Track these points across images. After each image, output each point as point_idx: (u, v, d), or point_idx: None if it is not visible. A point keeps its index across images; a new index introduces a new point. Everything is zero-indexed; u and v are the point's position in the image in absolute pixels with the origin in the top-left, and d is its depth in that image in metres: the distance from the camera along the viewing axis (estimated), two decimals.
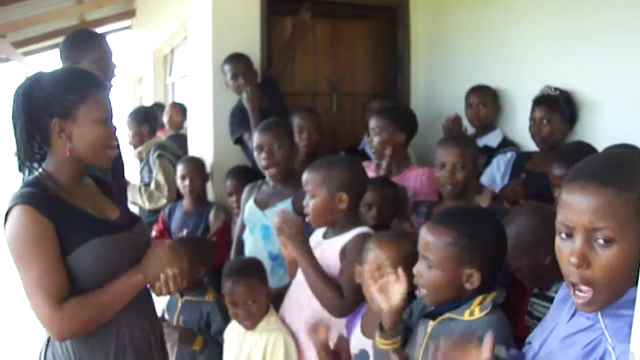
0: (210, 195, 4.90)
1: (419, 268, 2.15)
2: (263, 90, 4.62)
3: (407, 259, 2.37)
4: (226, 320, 3.25)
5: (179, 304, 3.36)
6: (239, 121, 4.50)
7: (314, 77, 5.34)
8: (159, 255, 2.25)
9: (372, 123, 3.87)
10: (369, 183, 3.26)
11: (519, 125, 4.15)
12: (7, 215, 2.09)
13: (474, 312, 2.07)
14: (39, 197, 2.11)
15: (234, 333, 3.10)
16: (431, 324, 2.16)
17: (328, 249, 2.86)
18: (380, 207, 3.34)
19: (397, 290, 2.20)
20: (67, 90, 2.17)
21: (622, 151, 1.64)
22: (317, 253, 2.83)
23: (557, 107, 3.87)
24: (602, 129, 3.77)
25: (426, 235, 2.14)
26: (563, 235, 1.53)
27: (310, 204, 2.86)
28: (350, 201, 2.84)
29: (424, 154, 4.72)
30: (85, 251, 2.15)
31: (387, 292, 2.22)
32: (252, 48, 4.81)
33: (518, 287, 2.70)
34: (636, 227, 1.44)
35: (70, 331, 2.11)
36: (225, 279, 3.03)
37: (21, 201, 2.08)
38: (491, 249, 2.15)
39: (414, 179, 3.74)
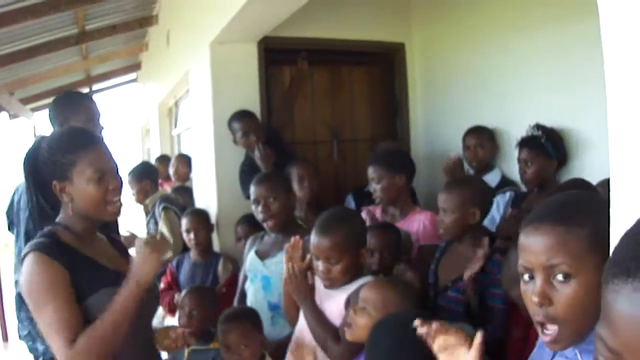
0: (216, 246, 4.94)
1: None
2: (269, 145, 4.71)
3: (390, 305, 2.45)
4: None
5: (186, 354, 3.39)
6: (249, 178, 4.56)
7: (313, 124, 5.43)
8: (141, 257, 2.28)
9: (370, 173, 3.93)
10: (371, 228, 3.37)
11: (517, 163, 4.19)
12: (21, 263, 2.19)
13: None
14: (52, 246, 2.20)
15: None
16: None
17: (332, 299, 2.89)
18: (382, 253, 3.36)
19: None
20: (61, 153, 2.27)
21: (573, 192, 1.70)
22: (319, 300, 2.91)
23: (540, 147, 3.94)
24: (598, 166, 3.77)
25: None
26: (526, 277, 1.56)
27: (333, 270, 2.81)
28: (369, 253, 2.94)
29: (428, 196, 4.77)
30: (97, 299, 2.21)
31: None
32: (252, 99, 4.92)
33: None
34: (591, 260, 1.48)
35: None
36: (220, 324, 3.07)
37: (34, 249, 2.18)
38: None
39: (417, 223, 3.78)
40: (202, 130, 5.18)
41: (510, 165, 4.49)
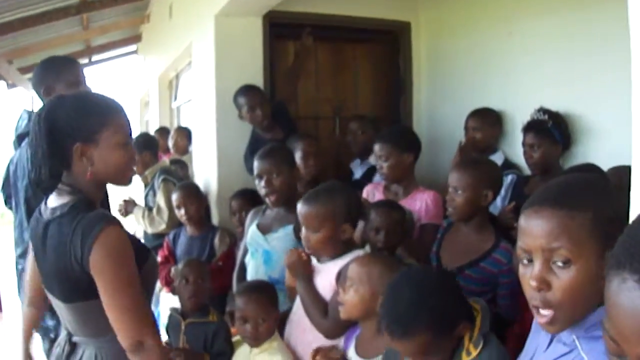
0: (215, 218, 4.92)
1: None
2: (275, 119, 4.70)
3: (375, 279, 2.50)
4: (229, 342, 3.26)
5: (183, 327, 3.38)
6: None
7: (316, 101, 5.40)
8: None
9: (378, 150, 3.90)
10: (377, 206, 3.38)
11: (520, 147, 4.16)
12: (95, 239, 2.05)
13: (470, 351, 2.06)
14: (116, 218, 2.14)
15: (239, 357, 3.11)
16: None
17: (323, 273, 2.92)
18: (388, 231, 3.34)
19: None
20: (91, 114, 2.18)
21: (576, 175, 1.68)
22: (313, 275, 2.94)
23: (546, 132, 3.91)
24: (601, 151, 3.80)
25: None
26: (524, 261, 1.55)
27: (312, 238, 2.89)
28: (352, 230, 2.92)
29: (428, 178, 4.74)
30: (145, 271, 2.21)
31: None
32: (255, 73, 4.88)
33: None
34: (592, 246, 1.46)
35: (155, 356, 2.11)
36: (238, 296, 3.03)
37: (111, 222, 2.10)
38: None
39: (419, 202, 3.76)
40: (204, 103, 5.14)
41: (513, 148, 4.46)
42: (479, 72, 4.91)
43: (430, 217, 3.71)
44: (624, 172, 3.32)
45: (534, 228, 1.50)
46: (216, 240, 4.53)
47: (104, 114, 2.21)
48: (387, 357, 2.39)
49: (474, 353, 2.04)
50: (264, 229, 3.52)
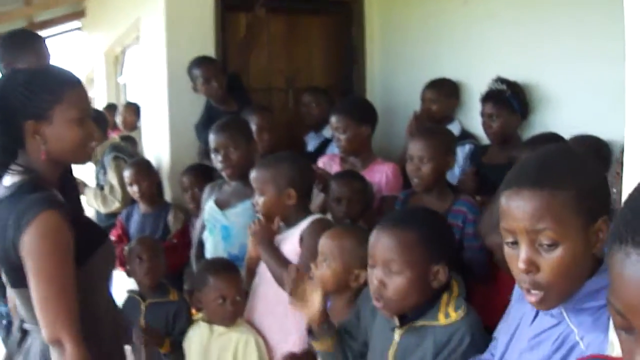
0: (168, 195, 4.81)
1: (378, 277, 2.04)
2: (229, 91, 4.61)
3: (348, 252, 2.49)
4: (190, 322, 3.18)
5: (143, 308, 3.29)
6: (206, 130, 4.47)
7: (269, 72, 5.31)
8: None
9: (334, 122, 3.83)
10: (338, 177, 3.35)
11: (477, 116, 4.15)
12: (28, 223, 1.93)
13: (449, 313, 2.02)
14: (59, 202, 2.02)
15: (196, 339, 3.03)
16: (398, 332, 2.10)
17: (284, 242, 2.91)
18: (349, 201, 3.31)
19: (314, 297, 2.26)
20: (42, 90, 2.05)
21: (553, 150, 1.63)
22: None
23: (505, 101, 3.89)
24: (560, 121, 3.78)
25: (387, 241, 2.04)
26: (509, 242, 1.53)
27: (259, 201, 2.93)
28: (298, 196, 2.92)
29: (383, 149, 4.70)
30: (97, 259, 2.09)
31: (305, 298, 2.28)
32: (207, 45, 4.77)
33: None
34: (577, 223, 1.45)
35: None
36: (214, 274, 2.96)
37: (47, 206, 1.96)
38: (451, 241, 2.20)
39: (379, 174, 3.72)
40: (155, 78, 5.01)
41: (469, 118, 4.45)
42: (434, 41, 4.86)
43: (391, 189, 3.68)
44: (588, 141, 3.36)
45: (516, 210, 1.48)
46: (170, 217, 4.43)
47: (57, 89, 2.07)
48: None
49: (454, 316, 2.01)
50: (222, 205, 3.43)
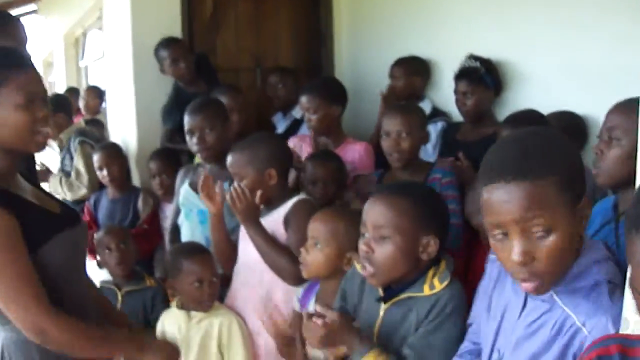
0: (136, 179, 4.72)
1: (368, 243, 2.04)
2: (197, 72, 4.53)
3: (341, 236, 2.45)
4: (168, 306, 3.10)
5: (120, 297, 3.22)
6: (176, 110, 4.36)
7: (236, 52, 5.21)
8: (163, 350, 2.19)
9: (305, 102, 3.80)
10: (313, 158, 3.33)
11: (448, 94, 4.13)
12: None
13: (434, 284, 2.03)
14: None
15: (172, 328, 2.91)
16: (384, 307, 2.10)
17: (268, 224, 2.83)
18: (325, 182, 3.28)
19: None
20: None
21: (532, 134, 1.61)
22: None
23: (479, 79, 3.89)
24: (534, 98, 3.78)
25: (379, 207, 2.05)
26: (498, 235, 1.51)
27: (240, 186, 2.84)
28: (279, 175, 2.87)
29: (351, 126, 4.67)
30: (52, 248, 1.99)
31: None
32: (173, 26, 4.68)
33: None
34: (564, 207, 1.46)
35: (63, 341, 1.94)
36: (187, 258, 2.87)
37: None
38: (444, 216, 2.15)
39: (351, 153, 3.68)
40: (119, 60, 4.89)
41: (440, 95, 4.44)
42: (404, 20, 4.82)
43: (364, 167, 3.66)
44: (565, 117, 3.36)
45: (502, 204, 1.46)
46: (139, 203, 4.33)
47: (1, 71, 1.96)
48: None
49: (438, 287, 2.02)
50: (197, 188, 3.35)
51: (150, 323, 3.10)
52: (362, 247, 2.05)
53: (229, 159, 2.91)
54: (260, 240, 2.76)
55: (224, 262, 3.02)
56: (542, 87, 3.82)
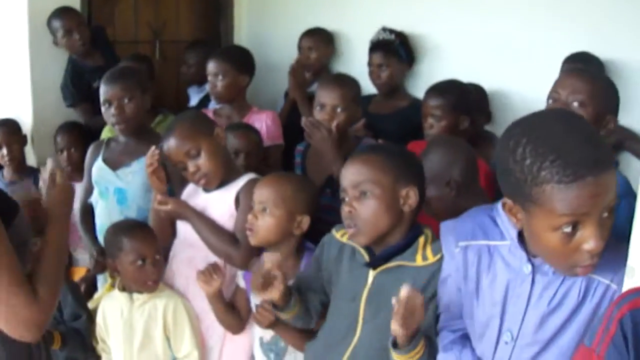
0: (32, 159, 4.43)
1: (349, 204, 2.06)
2: (94, 45, 4.28)
3: (289, 198, 2.46)
4: (81, 304, 2.89)
5: None
6: (75, 85, 4.18)
7: (135, 24, 5.00)
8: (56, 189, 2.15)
9: (213, 67, 3.70)
10: (233, 129, 3.25)
11: (357, 67, 4.11)
12: None
13: (427, 255, 2.04)
14: None
15: (113, 312, 2.77)
16: (372, 273, 2.09)
17: (216, 201, 2.74)
18: (248, 153, 3.21)
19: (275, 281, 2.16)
20: None
21: (574, 119, 1.61)
22: (201, 207, 2.75)
23: (394, 51, 3.94)
24: (446, 69, 3.80)
25: (355, 166, 2.09)
26: (567, 230, 1.49)
27: (200, 163, 2.71)
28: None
29: (252, 99, 4.59)
30: (17, 227, 1.88)
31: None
32: None
33: None
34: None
35: (47, 320, 1.83)
36: (128, 236, 2.70)
37: None
38: (419, 168, 2.15)
39: (258, 123, 3.58)
40: (12, 31, 4.55)
41: (347, 68, 4.37)
42: None
43: (272, 137, 3.60)
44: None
45: (590, 199, 1.47)
46: (41, 184, 4.05)
47: None
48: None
49: (432, 259, 2.03)
50: (113, 164, 3.18)
51: (65, 322, 2.83)
52: (344, 209, 2.06)
53: (172, 141, 2.73)
54: (204, 227, 2.69)
55: (165, 242, 2.88)
56: (452, 59, 3.91)
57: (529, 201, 1.50)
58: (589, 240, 1.47)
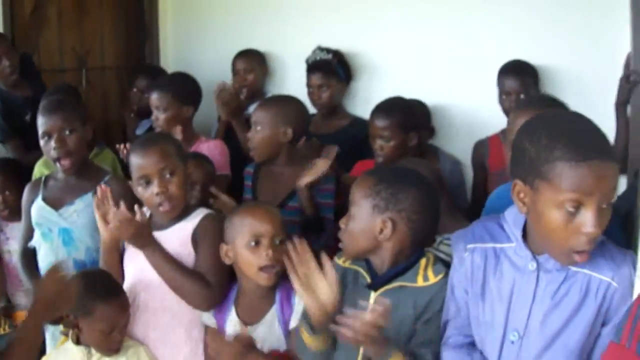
0: None
1: (344, 221, 2.16)
2: (22, 75, 4.04)
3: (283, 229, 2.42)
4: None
5: None
6: (6, 117, 3.92)
7: (59, 51, 4.85)
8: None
9: (155, 100, 3.58)
10: (191, 159, 3.00)
11: (292, 88, 4.08)
12: None
13: (428, 276, 2.06)
14: None
15: None
16: (374, 295, 2.07)
17: (170, 238, 2.55)
18: (203, 185, 3.09)
19: (322, 287, 2.00)
20: None
21: (580, 116, 1.77)
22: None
23: (333, 71, 3.95)
24: (384, 87, 3.84)
25: (353, 186, 2.17)
26: (570, 209, 1.61)
27: (173, 183, 2.53)
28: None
29: None
30: None
31: (311, 286, 2.01)
32: None
33: None
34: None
35: None
36: (103, 302, 2.39)
37: None
38: (408, 201, 2.07)
39: (206, 153, 3.45)
40: None
41: (282, 88, 4.37)
42: (239, 12, 4.71)
43: (220, 168, 3.46)
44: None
45: (598, 180, 1.59)
46: None
47: None
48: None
49: (433, 279, 2.05)
50: (55, 204, 2.95)
51: None
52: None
53: (148, 157, 2.54)
54: (164, 263, 2.48)
55: None
56: (389, 76, 3.95)
57: (539, 177, 1.63)
58: (588, 223, 1.59)
